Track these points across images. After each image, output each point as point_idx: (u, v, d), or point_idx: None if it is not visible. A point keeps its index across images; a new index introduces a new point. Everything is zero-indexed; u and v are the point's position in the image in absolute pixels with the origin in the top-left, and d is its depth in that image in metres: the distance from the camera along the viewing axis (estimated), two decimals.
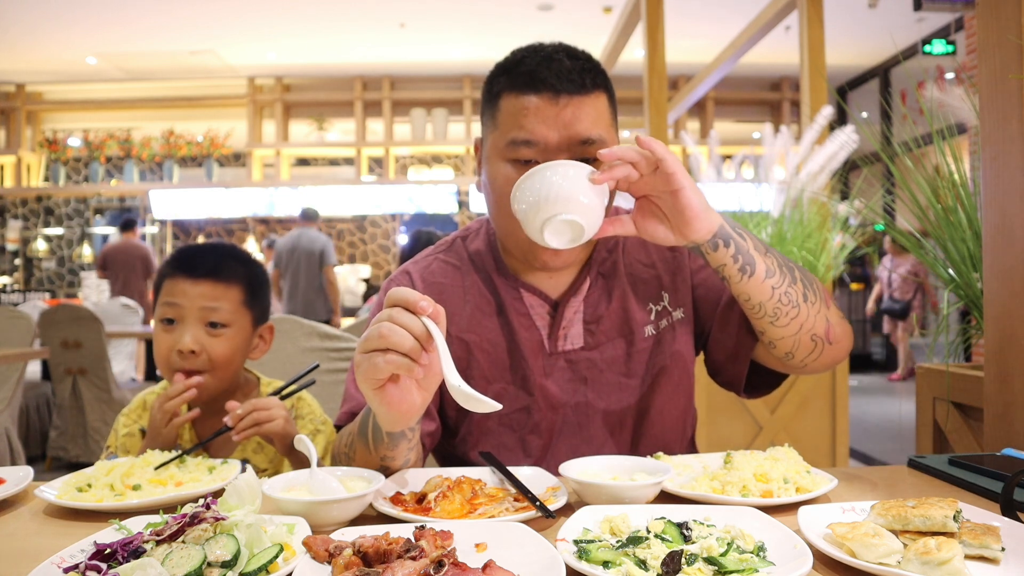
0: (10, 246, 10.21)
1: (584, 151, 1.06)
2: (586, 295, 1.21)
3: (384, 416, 0.90)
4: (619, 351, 1.21)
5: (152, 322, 1.40)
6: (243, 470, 0.96)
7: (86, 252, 10.25)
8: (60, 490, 0.99)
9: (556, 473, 1.03)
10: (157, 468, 1.06)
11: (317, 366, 1.33)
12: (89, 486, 1.01)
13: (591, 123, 1.06)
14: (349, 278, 8.46)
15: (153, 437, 1.25)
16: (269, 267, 6.47)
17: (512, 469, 1.04)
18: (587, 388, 1.20)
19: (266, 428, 1.19)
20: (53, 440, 4.51)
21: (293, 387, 1.32)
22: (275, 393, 1.31)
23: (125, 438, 1.35)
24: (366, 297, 9.28)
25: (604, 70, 1.12)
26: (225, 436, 1.22)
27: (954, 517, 0.77)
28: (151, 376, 6.56)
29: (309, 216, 6.52)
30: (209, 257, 1.34)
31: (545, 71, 1.06)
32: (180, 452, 1.11)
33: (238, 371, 1.38)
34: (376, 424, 0.98)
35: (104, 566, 0.69)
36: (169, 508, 0.90)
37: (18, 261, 10.40)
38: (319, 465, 1.00)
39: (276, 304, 6.41)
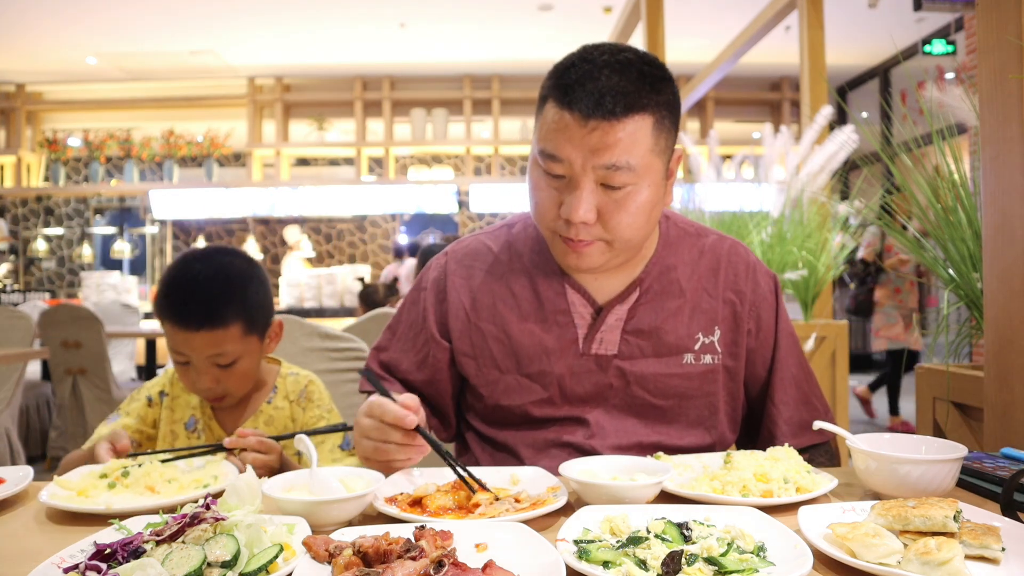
0: (0, 244, 10.17)
1: (608, 177, 1.05)
2: (632, 305, 1.20)
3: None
4: (650, 369, 1.20)
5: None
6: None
7: (86, 252, 10.22)
8: (60, 488, 0.99)
9: (556, 472, 1.03)
10: (141, 466, 1.05)
11: (350, 429, 1.19)
12: (104, 476, 1.03)
13: (621, 150, 1.03)
14: (348, 277, 8.43)
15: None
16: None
17: (512, 469, 1.05)
18: (611, 394, 1.21)
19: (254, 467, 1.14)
20: (53, 440, 4.51)
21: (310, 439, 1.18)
22: (282, 437, 1.24)
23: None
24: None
25: (657, 85, 1.06)
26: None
27: (954, 517, 0.77)
28: (150, 376, 6.57)
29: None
30: (200, 302, 1.29)
31: (581, 90, 1.03)
32: (173, 455, 1.13)
33: (256, 377, 1.43)
34: None
35: (104, 566, 0.69)
36: (169, 508, 0.90)
37: (12, 259, 10.36)
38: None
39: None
